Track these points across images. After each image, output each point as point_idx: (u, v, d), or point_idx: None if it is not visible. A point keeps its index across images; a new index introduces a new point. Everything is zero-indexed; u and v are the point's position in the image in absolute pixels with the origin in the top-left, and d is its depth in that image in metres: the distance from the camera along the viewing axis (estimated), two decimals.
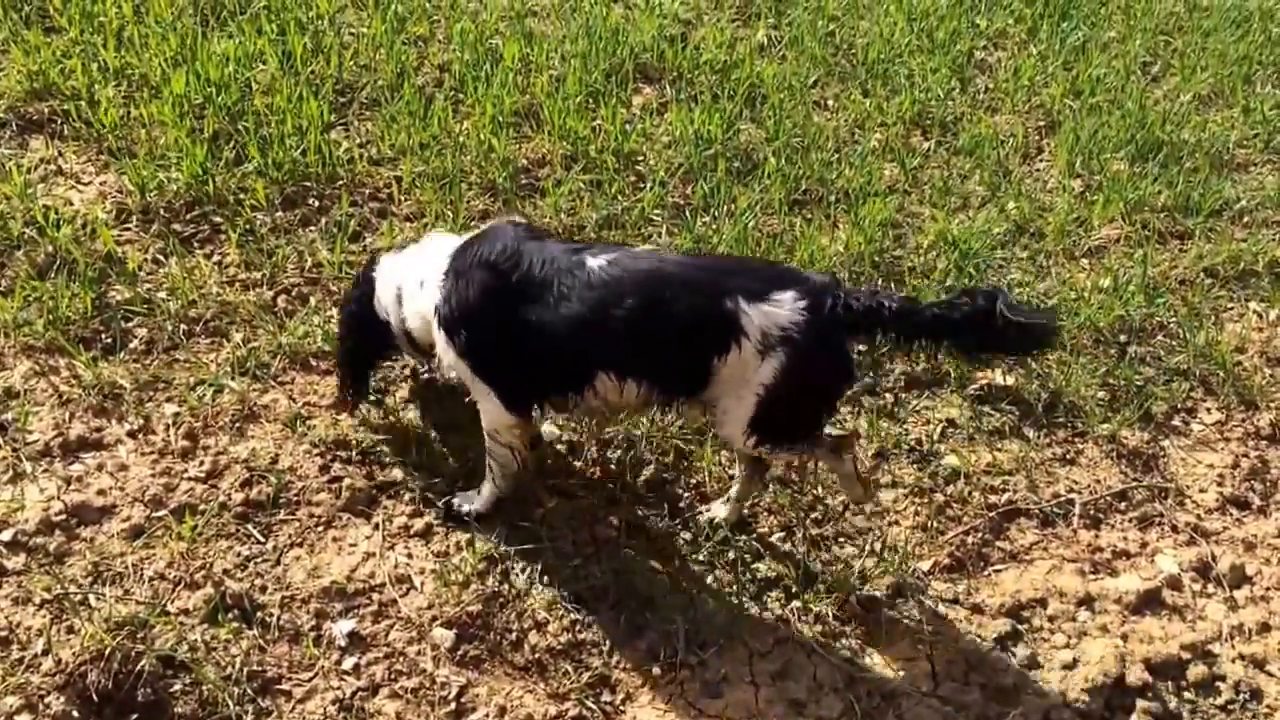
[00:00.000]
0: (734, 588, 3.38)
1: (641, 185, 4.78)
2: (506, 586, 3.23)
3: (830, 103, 5.67)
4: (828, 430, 3.39)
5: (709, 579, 3.39)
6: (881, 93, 5.71)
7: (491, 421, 3.25)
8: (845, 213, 4.87)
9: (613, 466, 3.63)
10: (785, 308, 2.95)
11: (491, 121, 4.79)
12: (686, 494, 3.62)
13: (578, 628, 3.18)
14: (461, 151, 4.65)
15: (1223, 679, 3.38)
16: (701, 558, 3.43)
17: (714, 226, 4.60)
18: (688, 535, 3.48)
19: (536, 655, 3.10)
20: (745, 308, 2.94)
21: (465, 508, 3.40)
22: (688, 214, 4.65)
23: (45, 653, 2.82)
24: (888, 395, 4.12)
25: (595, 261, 3.03)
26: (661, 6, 5.99)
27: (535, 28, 5.64)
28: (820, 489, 3.71)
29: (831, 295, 3.00)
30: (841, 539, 3.61)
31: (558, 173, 4.73)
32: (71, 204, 4.05)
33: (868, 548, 3.56)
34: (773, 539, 3.55)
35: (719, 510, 3.52)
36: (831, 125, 5.41)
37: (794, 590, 3.40)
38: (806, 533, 3.57)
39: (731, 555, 3.43)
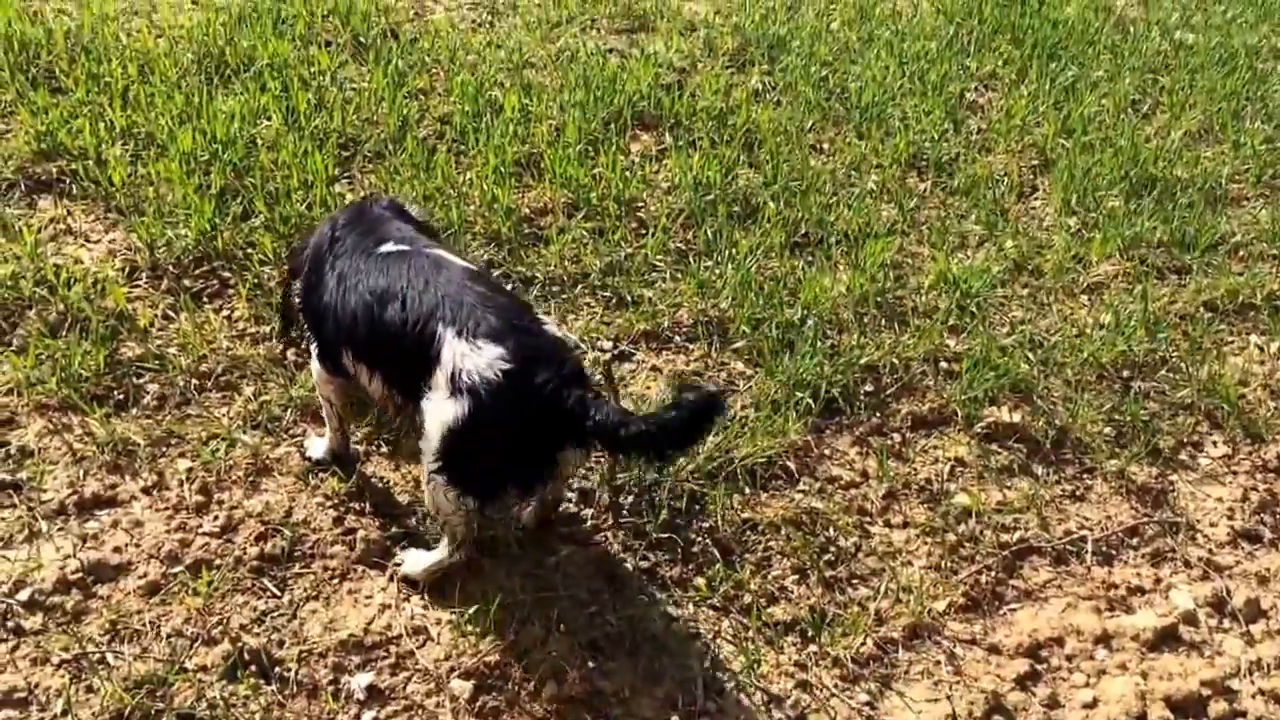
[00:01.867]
0: (750, 632, 3.37)
1: (643, 231, 4.83)
2: (523, 636, 3.22)
3: (826, 146, 5.74)
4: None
5: (725, 624, 3.39)
6: (876, 135, 5.78)
7: (313, 369, 3.43)
8: (845, 254, 4.91)
9: (625, 512, 3.64)
10: (482, 359, 2.83)
11: (494, 171, 4.84)
12: (700, 538, 3.62)
13: (595, 676, 3.16)
14: (465, 202, 4.69)
15: (1244, 715, 3.37)
16: (716, 603, 3.43)
17: (717, 271, 4.64)
18: (702, 580, 3.48)
19: (555, 705, 3.09)
20: (448, 338, 2.88)
21: (309, 453, 3.61)
22: (691, 259, 4.70)
23: (65, 713, 2.80)
24: (895, 435, 4.14)
25: (386, 247, 3.17)
26: (657, 55, 6.07)
27: (534, 78, 5.71)
28: (832, 530, 3.71)
29: (547, 374, 2.86)
30: (855, 580, 3.61)
31: (560, 220, 4.77)
32: (81, 262, 4.07)
33: (883, 589, 3.57)
34: (786, 582, 3.55)
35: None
36: (828, 168, 5.48)
37: (810, 634, 3.40)
38: (820, 575, 3.57)
39: (746, 599, 3.44)
